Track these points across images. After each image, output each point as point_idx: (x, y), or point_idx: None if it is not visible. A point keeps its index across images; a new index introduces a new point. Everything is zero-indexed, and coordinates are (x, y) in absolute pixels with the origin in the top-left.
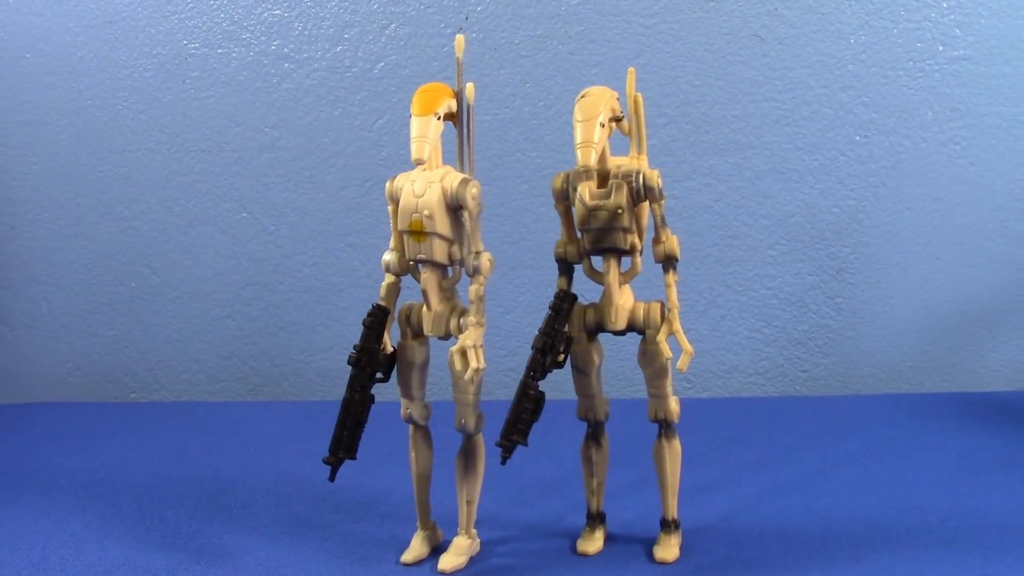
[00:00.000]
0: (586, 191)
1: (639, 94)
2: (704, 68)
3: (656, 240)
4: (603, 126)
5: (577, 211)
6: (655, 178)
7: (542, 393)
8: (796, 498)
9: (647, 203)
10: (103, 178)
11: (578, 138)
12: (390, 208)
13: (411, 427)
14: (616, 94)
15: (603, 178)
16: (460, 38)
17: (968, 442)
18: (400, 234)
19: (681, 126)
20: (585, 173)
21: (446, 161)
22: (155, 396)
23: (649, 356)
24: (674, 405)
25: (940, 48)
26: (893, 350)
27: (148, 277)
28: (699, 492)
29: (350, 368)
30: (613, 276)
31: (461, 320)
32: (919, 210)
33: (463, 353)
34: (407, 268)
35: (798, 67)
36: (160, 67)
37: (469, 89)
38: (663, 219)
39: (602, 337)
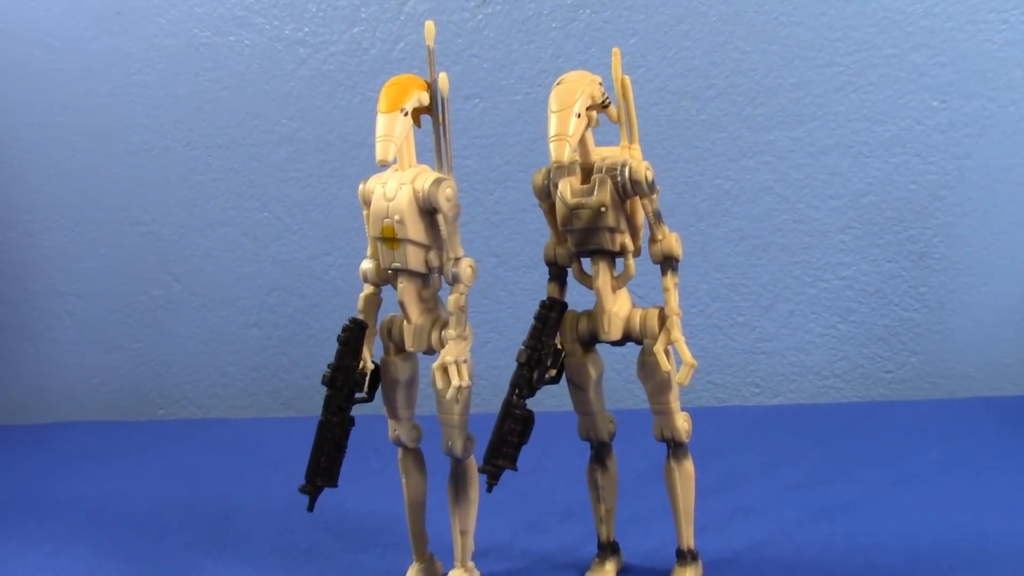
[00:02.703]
0: (567, 188)
1: (626, 76)
2: (755, 32)
3: (652, 239)
4: (580, 116)
5: (558, 210)
6: (643, 170)
7: (530, 412)
8: (841, 524)
9: (639, 198)
10: (119, 180)
11: (551, 130)
12: (364, 213)
13: (400, 450)
14: (598, 79)
15: (587, 172)
16: (430, 25)
17: None
18: (375, 241)
19: (733, 98)
20: (564, 169)
21: (421, 159)
22: (184, 413)
23: (648, 369)
24: (681, 422)
25: None
26: (989, 345)
27: (170, 285)
28: (735, 516)
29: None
30: (603, 280)
31: (443, 333)
32: (1010, 183)
33: (445, 370)
34: (386, 277)
35: (862, 26)
36: (171, 59)
37: (443, 80)
38: (657, 215)
39: (603, 347)
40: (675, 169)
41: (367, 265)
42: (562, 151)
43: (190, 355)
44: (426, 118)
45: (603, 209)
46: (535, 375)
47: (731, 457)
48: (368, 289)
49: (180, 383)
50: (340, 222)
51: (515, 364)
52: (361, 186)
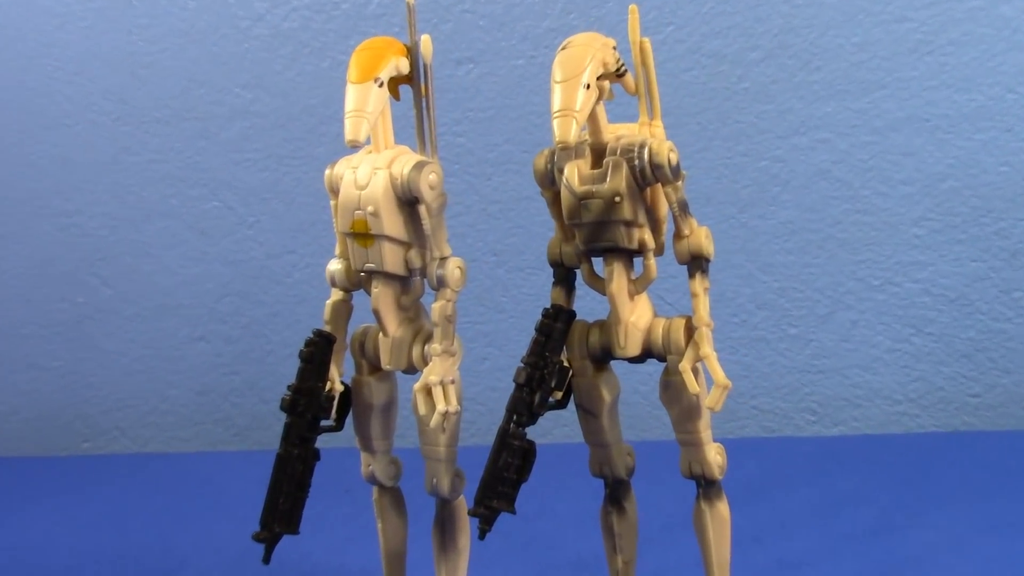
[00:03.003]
0: (574, 173)
1: (646, 39)
2: None
3: (677, 234)
4: (589, 87)
5: (564, 200)
6: (665, 151)
7: (531, 444)
8: None
9: (661, 186)
10: (35, 162)
11: (554, 105)
12: (331, 204)
13: (375, 489)
14: (612, 42)
15: (599, 155)
16: None
17: None
18: (344, 237)
19: (782, 62)
20: (570, 151)
21: (401, 139)
22: (114, 446)
23: (673, 391)
24: (714, 455)
25: None
26: None
27: (98, 289)
28: (782, 571)
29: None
30: (618, 285)
31: (427, 348)
32: None
33: (428, 392)
34: (357, 281)
35: None
36: (98, 13)
37: (425, 42)
38: (683, 206)
39: (620, 365)
40: (712, 149)
41: (335, 266)
42: (567, 130)
43: (122, 376)
44: (406, 89)
45: (617, 199)
46: (536, 398)
47: (779, 498)
48: (336, 295)
49: (110, 410)
50: (306, 213)
51: (513, 386)
52: (328, 171)
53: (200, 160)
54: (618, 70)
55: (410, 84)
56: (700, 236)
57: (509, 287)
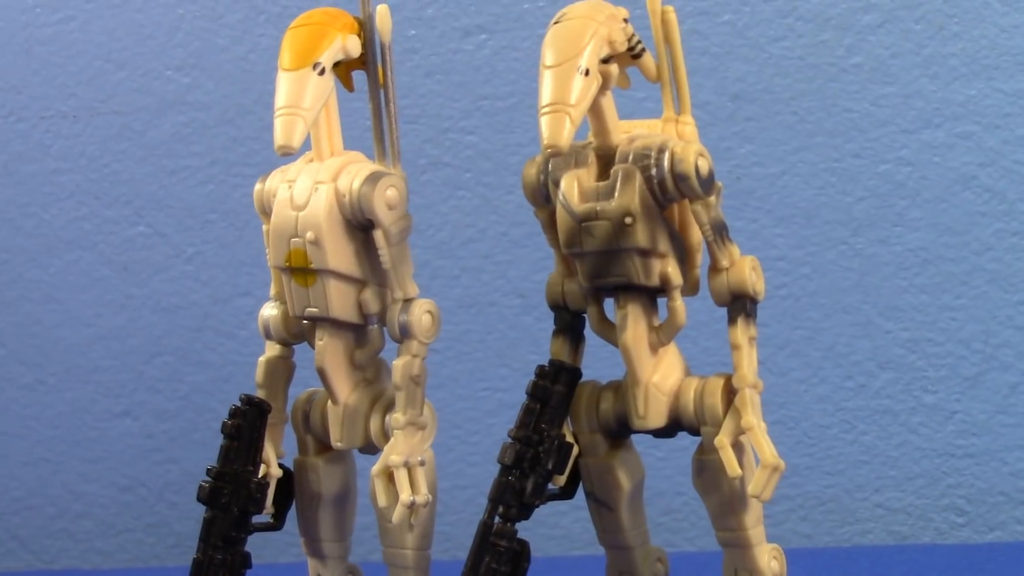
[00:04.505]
0: (573, 187)
1: (669, 7)
2: None
3: (713, 267)
4: (588, 74)
5: (560, 222)
6: (691, 157)
7: (523, 544)
8: None
9: (688, 203)
10: None
11: (542, 98)
12: (263, 229)
13: None
14: (622, 12)
15: (606, 162)
16: None
17: None
18: (279, 273)
19: (907, 27)
20: (568, 157)
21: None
22: (11, 563)
23: (709, 474)
24: (768, 561)
25: None
26: None
27: None
28: None
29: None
30: (633, 334)
31: (387, 419)
32: None
33: (389, 478)
34: (299, 331)
35: None
36: None
37: (382, 13)
38: (719, 229)
39: (643, 440)
40: (812, 148)
41: (269, 312)
42: (559, 130)
43: (20, 466)
44: (360, 77)
45: (628, 220)
46: (530, 485)
47: None
48: (272, 350)
49: (3, 514)
50: (263, 241)
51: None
52: (257, 186)
53: (120, 169)
54: (632, 49)
55: (364, 69)
56: (743, 269)
57: (540, 340)
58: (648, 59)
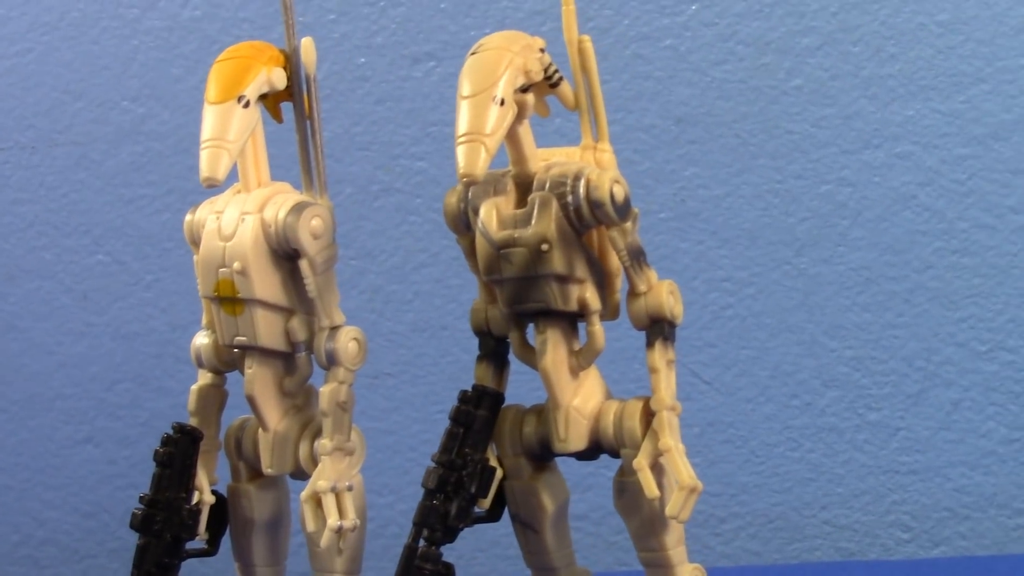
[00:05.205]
0: (492, 215)
1: (584, 36)
2: None
3: (632, 292)
4: (504, 104)
5: (480, 249)
6: (606, 184)
7: (448, 568)
8: None
9: (605, 229)
10: None
11: (459, 127)
12: (194, 259)
13: None
14: (538, 43)
15: (524, 190)
16: None
17: None
18: (209, 303)
19: (845, 49)
20: (487, 186)
21: (281, 174)
22: None
23: (629, 496)
24: None
25: None
26: None
27: None
28: None
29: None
30: (553, 359)
31: (315, 445)
32: None
33: (317, 503)
34: (230, 359)
35: None
36: None
37: (306, 47)
38: (635, 255)
39: (567, 463)
40: (754, 170)
41: (200, 340)
42: (474, 159)
43: None
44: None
45: (545, 247)
46: (453, 508)
47: None
48: (204, 378)
49: None
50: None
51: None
52: (188, 216)
53: (79, 199)
54: (549, 78)
55: (292, 101)
56: (661, 293)
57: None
58: (566, 87)
